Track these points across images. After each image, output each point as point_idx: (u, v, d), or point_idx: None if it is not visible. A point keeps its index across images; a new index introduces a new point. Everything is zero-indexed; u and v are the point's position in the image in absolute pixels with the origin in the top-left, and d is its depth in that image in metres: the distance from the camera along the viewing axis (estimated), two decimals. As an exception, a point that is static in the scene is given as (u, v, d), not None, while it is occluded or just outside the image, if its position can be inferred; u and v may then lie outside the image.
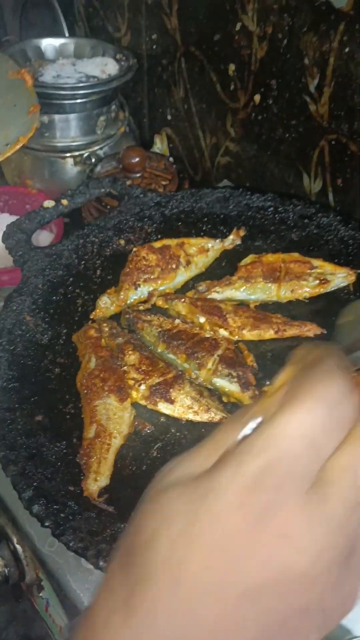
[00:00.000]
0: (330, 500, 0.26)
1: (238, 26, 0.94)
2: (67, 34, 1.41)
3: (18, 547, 0.69)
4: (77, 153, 1.15)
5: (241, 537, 0.25)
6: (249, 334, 0.70)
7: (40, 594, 0.72)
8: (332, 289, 0.77)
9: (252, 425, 0.29)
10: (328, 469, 0.26)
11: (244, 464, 0.26)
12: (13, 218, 1.04)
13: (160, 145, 1.29)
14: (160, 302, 0.75)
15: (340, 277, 0.77)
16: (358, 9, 0.72)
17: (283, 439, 0.26)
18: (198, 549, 0.25)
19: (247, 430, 0.29)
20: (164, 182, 1.06)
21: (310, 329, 0.72)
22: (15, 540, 0.69)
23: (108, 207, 1.00)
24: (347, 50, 0.78)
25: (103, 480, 0.58)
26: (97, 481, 0.58)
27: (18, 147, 0.58)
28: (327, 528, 0.25)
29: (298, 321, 0.72)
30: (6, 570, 0.70)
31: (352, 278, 0.77)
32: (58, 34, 1.40)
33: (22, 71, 0.60)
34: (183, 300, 0.74)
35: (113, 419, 0.62)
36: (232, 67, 1.00)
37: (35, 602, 0.76)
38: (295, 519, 0.25)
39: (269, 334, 0.70)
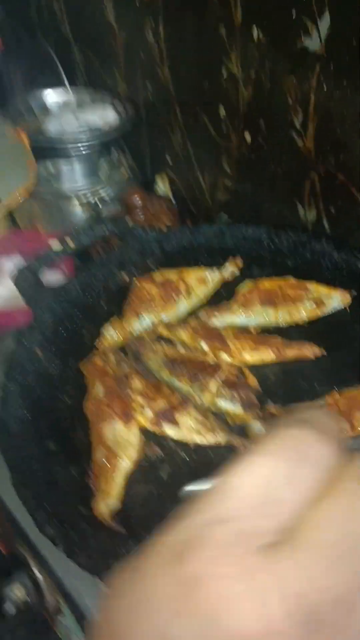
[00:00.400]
0: (286, 560, 0.21)
1: (225, 73, 1.01)
2: (67, 85, 1.50)
3: (38, 574, 0.71)
4: (82, 197, 1.22)
5: (169, 606, 0.21)
6: (250, 356, 0.73)
7: (62, 620, 0.73)
8: (329, 311, 0.80)
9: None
10: (294, 526, 0.22)
11: (176, 528, 0.24)
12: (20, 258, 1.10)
13: (162, 185, 1.35)
14: (164, 332, 0.79)
15: (335, 300, 0.80)
16: (330, 51, 0.78)
17: (228, 494, 0.23)
18: (127, 616, 0.23)
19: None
20: (165, 222, 1.12)
21: (310, 350, 0.74)
22: (35, 568, 0.71)
23: (114, 247, 1.05)
24: (325, 88, 0.84)
25: (112, 501, 0.61)
26: (106, 502, 0.61)
27: (22, 193, 0.65)
28: (280, 593, 0.20)
29: (297, 342, 0.75)
30: (28, 599, 0.71)
31: (348, 300, 0.80)
32: (58, 85, 1.48)
33: (18, 133, 0.67)
34: (185, 327, 0.77)
35: (120, 441, 0.65)
36: (222, 110, 1.06)
37: (57, 631, 0.77)
38: (235, 583, 0.21)
39: (270, 356, 0.73)
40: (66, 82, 1.47)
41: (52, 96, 1.34)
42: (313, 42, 0.79)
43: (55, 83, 1.48)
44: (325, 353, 0.75)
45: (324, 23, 0.77)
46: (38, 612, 0.78)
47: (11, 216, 1.35)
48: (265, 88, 0.94)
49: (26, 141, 0.69)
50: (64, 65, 1.45)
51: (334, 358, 0.74)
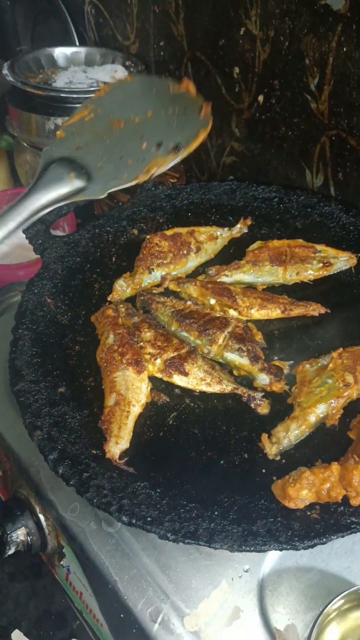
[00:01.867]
0: None
1: (242, 31, 0.99)
2: (77, 43, 1.47)
3: (41, 516, 0.73)
4: (89, 154, 1.21)
5: None
6: (257, 314, 0.74)
7: (61, 562, 0.75)
8: (335, 271, 0.81)
9: None
10: None
11: None
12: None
13: (167, 147, 1.34)
14: (172, 286, 0.79)
15: (342, 261, 0.81)
16: (354, 11, 0.78)
17: None
18: None
19: None
20: (172, 180, 1.11)
21: (315, 308, 0.76)
22: (38, 509, 0.73)
23: (119, 202, 1.05)
24: (344, 49, 0.83)
25: (123, 443, 0.63)
26: (117, 444, 0.62)
27: (200, 139, 0.65)
28: None
29: (303, 301, 0.77)
30: (29, 539, 0.73)
31: (354, 261, 0.82)
32: (69, 43, 1.46)
33: (184, 83, 0.67)
34: (194, 283, 0.78)
35: (131, 389, 0.67)
36: (236, 69, 1.05)
37: (55, 572, 0.80)
38: None
39: (276, 313, 0.75)
40: (76, 40, 1.45)
41: (62, 53, 1.32)
42: (337, 1, 0.79)
43: (66, 41, 1.46)
44: (329, 311, 0.76)
45: (349, -20, 0.77)
46: (37, 556, 0.80)
47: (14, 172, 1.33)
48: (282, 48, 0.93)
49: (194, 90, 0.69)
50: (75, 22, 1.43)
51: (339, 316, 0.76)
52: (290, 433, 0.62)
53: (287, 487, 0.55)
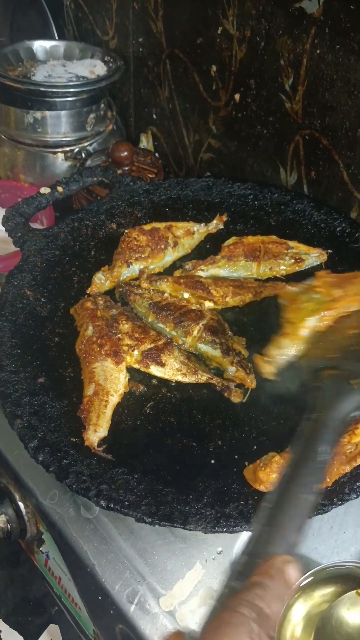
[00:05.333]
0: None
1: (219, 30, 1.01)
2: (57, 37, 1.47)
3: (20, 504, 0.75)
4: (67, 148, 1.22)
5: None
6: (232, 301, 0.77)
7: (41, 549, 0.77)
8: (307, 267, 0.84)
9: None
10: None
11: None
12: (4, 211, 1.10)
13: (146, 143, 1.36)
14: (145, 284, 0.81)
15: (313, 257, 0.85)
16: (327, 15, 0.81)
17: None
18: None
19: None
20: (150, 175, 1.13)
21: (282, 287, 0.79)
22: (17, 497, 0.75)
23: (98, 197, 1.06)
24: (318, 52, 0.86)
25: (102, 431, 0.65)
26: (96, 432, 0.64)
27: None
28: None
29: (271, 282, 0.80)
30: (9, 526, 0.75)
31: (324, 257, 0.85)
32: (47, 37, 1.46)
33: None
34: (166, 279, 0.80)
35: (110, 379, 0.69)
36: (213, 68, 1.07)
37: (34, 559, 0.82)
38: None
39: (249, 297, 0.78)
40: (55, 34, 1.45)
41: (41, 47, 1.32)
42: (311, 5, 0.81)
43: (46, 34, 1.46)
44: (297, 289, 0.79)
45: (322, -15, 0.80)
46: (16, 543, 0.82)
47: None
48: (258, 48, 0.96)
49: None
50: (54, 16, 1.43)
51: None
52: (284, 350, 0.62)
53: (258, 471, 0.58)
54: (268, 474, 0.58)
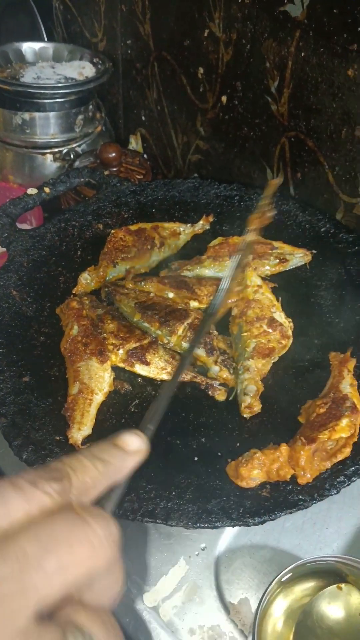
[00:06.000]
0: None
1: (206, 33, 1.02)
2: (45, 39, 1.48)
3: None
4: (56, 149, 1.22)
5: None
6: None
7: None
8: (291, 267, 0.85)
9: None
10: None
11: None
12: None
13: (135, 144, 1.37)
14: (130, 284, 0.82)
15: (297, 257, 0.86)
16: (310, 19, 0.82)
17: None
18: None
19: None
20: (138, 176, 1.14)
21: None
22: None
23: (85, 198, 1.07)
24: (302, 54, 0.87)
25: (86, 429, 0.65)
26: (80, 430, 0.65)
27: None
28: None
29: None
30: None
31: (308, 258, 0.86)
32: (36, 38, 1.47)
33: None
34: (151, 280, 0.81)
35: (94, 378, 0.69)
36: (201, 70, 1.08)
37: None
38: None
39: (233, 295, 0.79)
40: (44, 35, 1.45)
41: (30, 48, 1.33)
42: (295, 8, 0.82)
43: (35, 36, 1.46)
44: (276, 285, 0.82)
45: (306, -11, 0.81)
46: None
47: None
48: (244, 50, 0.97)
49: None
50: (43, 18, 1.43)
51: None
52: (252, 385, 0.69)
53: (239, 467, 0.59)
54: (249, 470, 0.59)
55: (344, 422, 0.62)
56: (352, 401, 0.64)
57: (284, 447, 0.60)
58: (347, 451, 0.62)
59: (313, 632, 0.60)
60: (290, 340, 0.75)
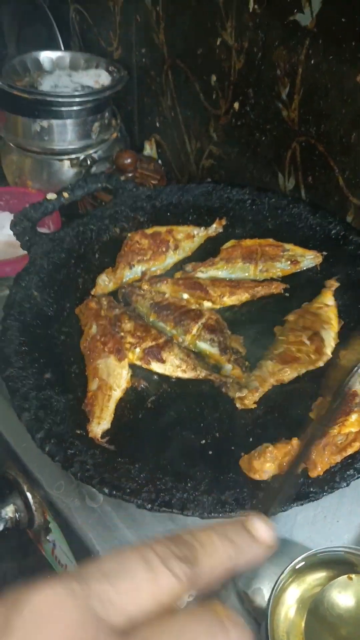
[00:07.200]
0: None
1: (218, 41, 1.05)
2: (62, 48, 1.52)
3: (28, 494, 0.78)
4: (73, 156, 1.26)
5: None
6: (229, 300, 0.81)
7: (48, 537, 0.81)
8: (302, 268, 0.88)
9: None
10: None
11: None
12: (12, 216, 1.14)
13: (149, 150, 1.40)
14: (146, 285, 0.84)
15: (308, 259, 0.88)
16: (320, 27, 0.84)
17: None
18: None
19: None
20: (153, 182, 1.17)
21: (277, 286, 0.84)
22: (25, 488, 0.78)
23: (102, 202, 1.10)
24: (312, 62, 0.90)
25: (105, 424, 0.68)
26: (99, 424, 0.68)
27: None
28: None
29: (265, 282, 0.84)
30: (17, 516, 0.79)
31: (319, 260, 0.88)
32: (53, 47, 1.51)
33: None
34: (166, 281, 0.84)
35: (113, 374, 0.72)
36: (213, 77, 1.11)
37: (42, 548, 0.85)
38: None
39: (245, 296, 0.82)
40: (61, 44, 1.49)
41: (47, 57, 1.37)
42: (305, 17, 0.85)
43: (52, 46, 1.50)
44: (288, 286, 0.84)
45: (316, 0, 0.83)
46: (24, 531, 0.85)
47: (1, 171, 1.38)
48: (256, 58, 0.99)
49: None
50: (60, 27, 1.47)
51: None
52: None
53: (252, 460, 0.62)
54: (262, 463, 0.61)
55: (354, 417, 0.64)
56: (362, 397, 0.67)
57: (295, 441, 0.62)
58: (357, 445, 0.64)
59: (324, 620, 0.62)
60: (324, 359, 0.74)
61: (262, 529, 0.34)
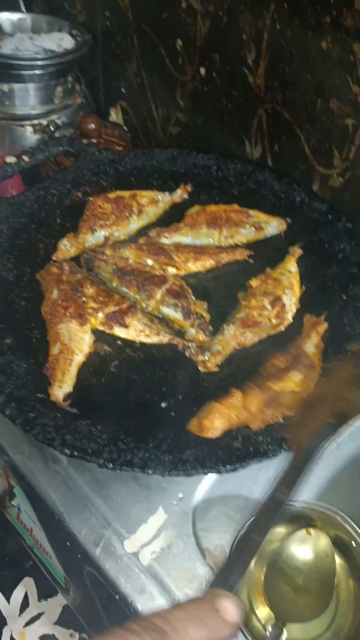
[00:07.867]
0: None
1: (184, 5, 1.03)
2: (24, 10, 1.47)
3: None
4: (36, 121, 1.22)
5: None
6: (193, 266, 0.81)
7: (12, 502, 0.81)
8: (267, 235, 0.88)
9: None
10: None
11: None
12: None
13: (115, 117, 1.37)
14: (109, 251, 0.84)
15: (273, 226, 0.88)
16: (285, -11, 0.83)
17: None
18: None
19: None
20: (118, 148, 1.15)
21: (242, 252, 0.84)
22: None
23: (64, 166, 1.08)
24: (278, 27, 0.89)
25: (66, 387, 0.68)
26: (61, 388, 0.67)
27: None
28: None
29: (230, 248, 0.84)
30: (-20, 483, 0.78)
31: (283, 227, 0.89)
32: (14, 9, 1.45)
33: None
34: (130, 247, 0.83)
35: (74, 339, 0.72)
36: (179, 42, 1.09)
37: (7, 513, 0.85)
38: None
39: (210, 262, 0.82)
40: (23, 6, 1.44)
41: (8, 19, 1.31)
42: (268, -21, 0.84)
43: (13, 7, 1.44)
44: (252, 253, 0.85)
45: None
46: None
47: None
48: (222, 23, 0.98)
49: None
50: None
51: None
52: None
53: (202, 420, 0.63)
54: (211, 420, 0.63)
55: (297, 376, 0.65)
56: (312, 360, 0.68)
57: (235, 392, 0.63)
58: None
59: (282, 572, 0.64)
60: (285, 323, 0.76)
61: (230, 609, 0.36)
